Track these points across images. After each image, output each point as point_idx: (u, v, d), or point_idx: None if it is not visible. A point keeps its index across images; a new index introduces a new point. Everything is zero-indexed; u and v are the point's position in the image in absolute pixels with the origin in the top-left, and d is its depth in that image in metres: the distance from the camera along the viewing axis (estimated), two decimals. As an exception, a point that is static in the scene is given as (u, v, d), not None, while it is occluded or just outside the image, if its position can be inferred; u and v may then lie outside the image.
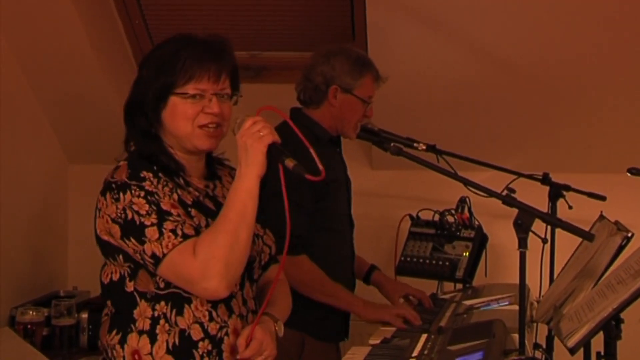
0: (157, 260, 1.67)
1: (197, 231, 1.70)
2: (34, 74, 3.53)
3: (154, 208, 1.68)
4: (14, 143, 3.42)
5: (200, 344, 1.73)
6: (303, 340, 2.53)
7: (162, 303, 1.72)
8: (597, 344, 1.96)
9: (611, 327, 1.88)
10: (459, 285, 2.94)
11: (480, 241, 2.93)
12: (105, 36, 3.53)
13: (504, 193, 1.97)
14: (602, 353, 1.95)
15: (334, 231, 2.59)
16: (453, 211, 2.96)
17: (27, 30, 3.36)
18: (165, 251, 1.66)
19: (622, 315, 1.90)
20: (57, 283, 3.72)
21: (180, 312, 1.73)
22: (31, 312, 3.16)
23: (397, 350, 2.07)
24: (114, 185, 1.71)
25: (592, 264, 2.16)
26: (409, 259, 2.95)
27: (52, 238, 3.79)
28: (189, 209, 1.74)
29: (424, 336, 2.13)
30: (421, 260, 2.93)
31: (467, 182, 2.10)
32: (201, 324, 1.73)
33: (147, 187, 1.70)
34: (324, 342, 2.59)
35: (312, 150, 1.70)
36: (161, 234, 1.66)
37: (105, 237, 1.74)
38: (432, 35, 3.22)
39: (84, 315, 3.27)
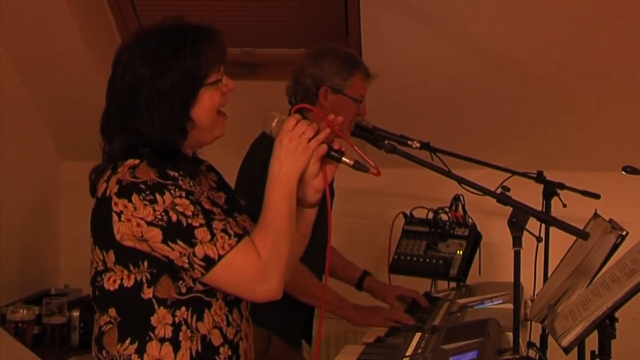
0: (210, 262, 1.57)
1: (244, 230, 1.66)
2: (26, 70, 3.51)
3: (199, 208, 1.59)
4: (6, 139, 3.40)
5: (221, 349, 1.68)
6: (269, 338, 2.50)
7: (183, 309, 1.64)
8: (591, 342, 1.96)
9: (606, 326, 1.88)
10: (453, 284, 2.93)
11: (474, 239, 2.93)
12: (97, 32, 3.51)
13: (499, 191, 1.96)
14: (597, 352, 1.94)
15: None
16: (447, 209, 2.95)
17: (19, 26, 3.34)
18: (221, 252, 1.57)
19: (616, 313, 1.89)
20: (48, 281, 3.70)
21: (200, 317, 1.65)
22: (22, 311, 3.13)
23: (391, 349, 2.07)
24: (143, 186, 1.58)
25: (587, 262, 2.16)
26: (402, 257, 2.94)
27: (44, 235, 3.77)
28: (217, 209, 1.67)
29: (418, 335, 2.12)
30: (415, 259, 2.92)
31: (461, 180, 2.09)
32: (220, 329, 1.68)
33: (184, 187, 1.60)
34: (288, 343, 2.57)
35: (356, 148, 1.74)
36: (213, 234, 1.58)
37: (129, 243, 1.60)
38: (426, 32, 3.22)
39: (76, 314, 3.24)
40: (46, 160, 3.80)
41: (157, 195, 1.58)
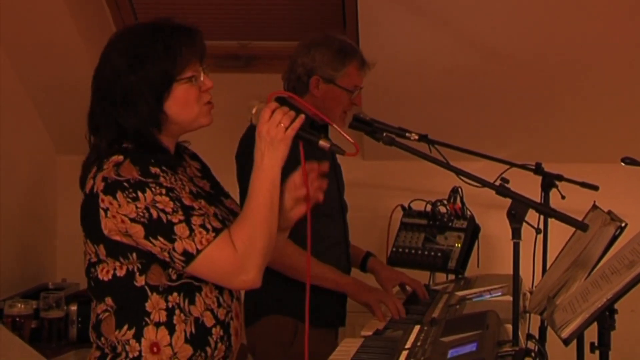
0: (189, 257, 1.66)
1: (223, 222, 1.72)
2: (21, 63, 3.50)
3: (178, 204, 1.67)
4: (2, 134, 3.39)
5: (214, 330, 1.76)
6: (296, 327, 2.51)
7: (175, 294, 1.73)
8: (590, 334, 1.95)
9: (605, 317, 1.87)
10: (451, 276, 2.93)
11: (472, 231, 2.92)
12: (93, 25, 3.49)
13: (498, 183, 1.95)
14: (596, 344, 1.93)
15: (322, 216, 2.57)
16: (445, 201, 2.95)
17: (14, 19, 3.33)
18: (199, 247, 1.65)
19: (615, 305, 1.89)
20: (45, 275, 3.69)
21: (192, 301, 1.74)
22: (19, 305, 3.13)
23: (390, 342, 2.06)
24: (126, 184, 1.66)
25: (586, 254, 2.15)
26: (400, 249, 2.93)
27: (41, 230, 3.76)
28: (200, 200, 1.75)
29: (417, 327, 2.12)
30: (413, 251, 2.92)
31: (459, 172, 2.08)
32: (211, 310, 1.76)
33: (165, 184, 1.68)
34: (319, 328, 2.57)
35: (335, 126, 1.85)
36: (191, 230, 1.66)
37: (117, 238, 1.69)
38: (424, 24, 3.20)
39: (73, 308, 3.24)
40: (42, 154, 3.79)
41: (139, 193, 1.66)
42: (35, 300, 3.19)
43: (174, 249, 1.65)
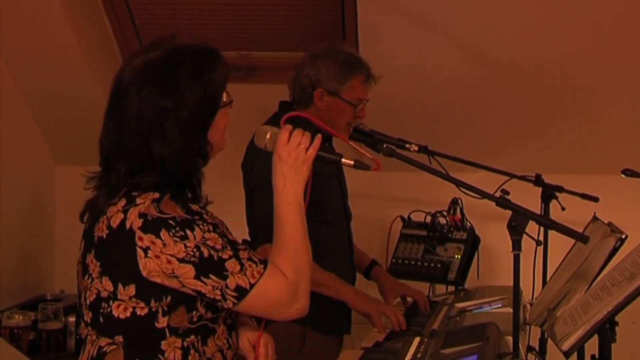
0: (243, 292, 1.60)
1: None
2: (21, 74, 3.50)
3: (226, 240, 1.61)
4: (1, 144, 3.39)
5: None
6: (304, 334, 2.51)
7: (192, 336, 1.65)
8: (591, 346, 1.95)
9: (606, 329, 1.86)
10: (451, 288, 2.92)
11: (472, 243, 2.91)
12: (93, 36, 3.50)
13: (498, 194, 1.95)
14: (597, 356, 1.93)
15: (327, 223, 2.57)
16: (445, 213, 2.94)
17: (14, 29, 3.33)
18: (252, 281, 1.60)
19: (616, 317, 1.88)
20: (43, 286, 3.68)
21: (205, 343, 1.67)
22: (17, 316, 3.12)
23: (390, 354, 2.05)
24: (172, 222, 1.57)
25: (586, 266, 2.15)
26: (400, 261, 2.93)
27: (39, 240, 3.75)
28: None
29: (417, 339, 2.11)
30: (413, 263, 2.91)
31: (459, 183, 2.08)
32: (221, 352, 1.71)
33: (209, 220, 1.62)
34: (326, 335, 2.57)
35: (352, 143, 1.93)
36: (242, 265, 1.60)
37: (157, 280, 1.58)
38: (423, 35, 3.21)
39: (71, 319, 3.22)
40: (41, 164, 3.78)
41: (188, 232, 1.58)
42: (33, 312, 3.18)
43: (226, 286, 1.59)
